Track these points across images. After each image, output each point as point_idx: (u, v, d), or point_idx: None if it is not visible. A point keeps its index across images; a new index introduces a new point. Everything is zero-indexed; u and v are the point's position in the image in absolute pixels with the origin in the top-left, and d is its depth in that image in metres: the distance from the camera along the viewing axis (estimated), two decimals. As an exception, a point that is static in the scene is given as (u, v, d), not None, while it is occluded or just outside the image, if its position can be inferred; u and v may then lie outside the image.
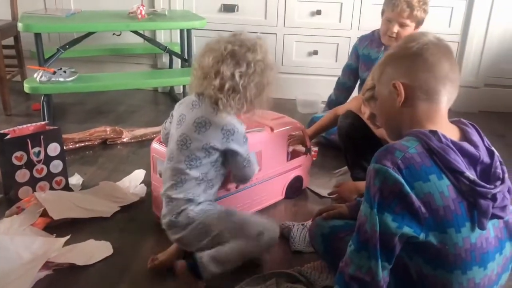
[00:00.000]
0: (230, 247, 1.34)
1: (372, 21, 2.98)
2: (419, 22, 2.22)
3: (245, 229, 1.37)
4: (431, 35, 1.08)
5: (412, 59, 1.05)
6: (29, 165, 1.82)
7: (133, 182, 2.02)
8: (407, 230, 0.96)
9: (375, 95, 1.59)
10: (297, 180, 1.96)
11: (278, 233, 1.44)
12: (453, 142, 0.99)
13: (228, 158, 1.42)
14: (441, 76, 1.04)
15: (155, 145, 1.65)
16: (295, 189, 1.97)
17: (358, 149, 1.94)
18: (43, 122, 1.98)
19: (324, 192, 2.00)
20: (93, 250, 1.56)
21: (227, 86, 1.32)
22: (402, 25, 2.21)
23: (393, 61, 1.10)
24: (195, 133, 1.34)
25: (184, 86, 3.10)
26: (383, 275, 0.99)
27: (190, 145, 1.35)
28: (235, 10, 3.14)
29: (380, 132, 1.71)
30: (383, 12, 2.30)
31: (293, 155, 1.95)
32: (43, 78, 2.44)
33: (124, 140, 2.46)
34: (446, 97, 1.05)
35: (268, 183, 1.82)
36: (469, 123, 1.09)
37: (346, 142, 1.99)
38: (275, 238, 1.42)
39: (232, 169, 1.46)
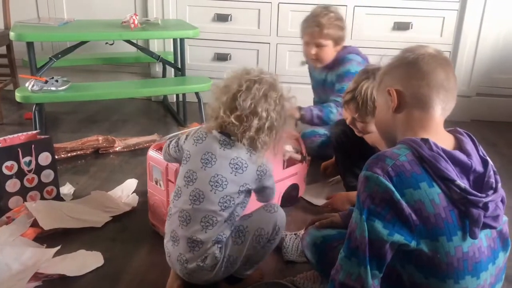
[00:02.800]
0: (257, 253, 1.38)
1: (365, 31, 3.02)
2: (336, 40, 2.18)
3: (263, 235, 1.35)
4: (430, 48, 1.09)
5: (407, 67, 1.07)
6: (20, 174, 1.81)
7: (125, 192, 2.01)
8: (398, 237, 0.96)
9: (354, 97, 1.61)
10: (293, 188, 1.95)
11: (284, 214, 1.43)
12: (444, 151, 0.99)
13: (257, 191, 1.44)
14: (435, 84, 1.04)
15: (151, 152, 1.66)
16: (291, 198, 1.96)
17: (351, 157, 1.94)
18: (34, 132, 1.97)
19: (317, 201, 2.00)
20: (83, 261, 1.55)
21: (267, 124, 1.32)
22: (319, 45, 2.17)
23: (390, 70, 1.11)
24: (232, 175, 1.31)
25: (177, 95, 3.09)
26: (374, 283, 0.98)
27: (227, 186, 1.31)
28: (229, 19, 3.15)
29: (372, 139, 1.70)
30: (302, 37, 2.26)
31: (288, 163, 1.95)
32: (35, 87, 2.42)
33: (117, 149, 2.45)
34: (440, 106, 1.05)
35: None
36: (465, 132, 1.09)
37: (338, 149, 1.99)
38: (284, 219, 1.43)
39: (258, 197, 1.48)
